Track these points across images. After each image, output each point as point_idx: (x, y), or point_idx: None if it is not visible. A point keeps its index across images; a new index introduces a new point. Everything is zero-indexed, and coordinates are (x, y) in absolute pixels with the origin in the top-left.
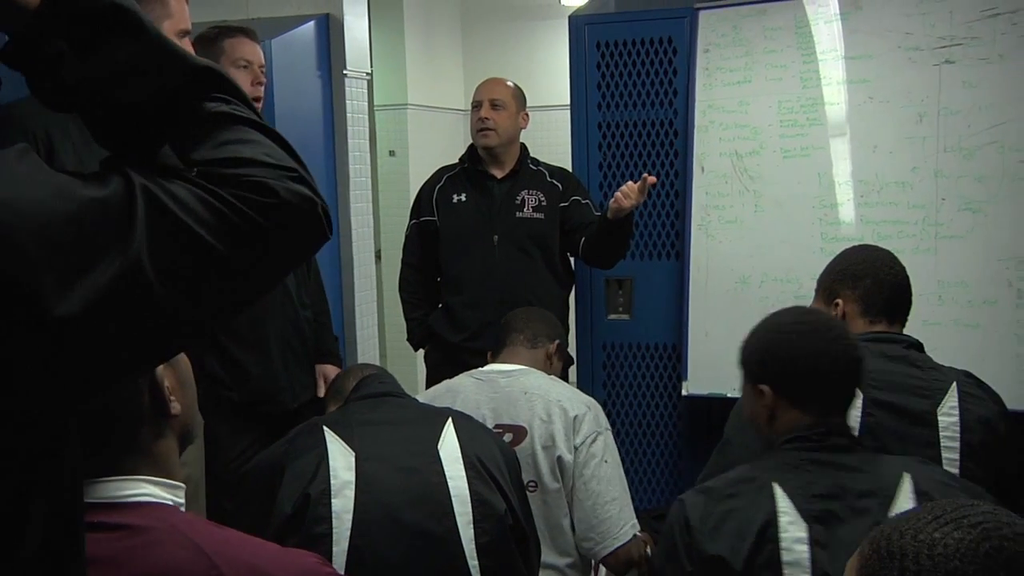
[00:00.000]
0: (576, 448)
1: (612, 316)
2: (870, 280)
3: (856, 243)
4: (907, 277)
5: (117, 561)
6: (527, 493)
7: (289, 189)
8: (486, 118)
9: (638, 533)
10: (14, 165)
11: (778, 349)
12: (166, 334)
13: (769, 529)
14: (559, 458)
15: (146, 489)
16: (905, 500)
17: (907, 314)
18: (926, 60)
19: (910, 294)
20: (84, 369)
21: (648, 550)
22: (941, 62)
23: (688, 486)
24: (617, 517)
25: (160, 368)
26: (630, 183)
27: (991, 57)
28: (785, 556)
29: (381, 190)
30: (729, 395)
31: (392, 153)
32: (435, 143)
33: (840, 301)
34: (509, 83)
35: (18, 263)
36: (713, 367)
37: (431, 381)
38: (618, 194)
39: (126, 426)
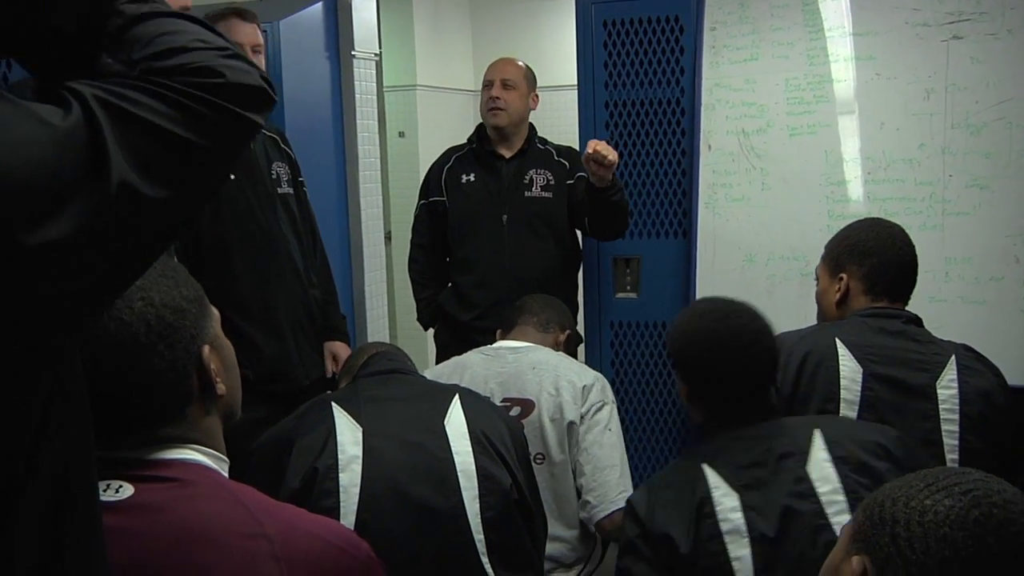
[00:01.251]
0: (582, 416)
1: (620, 295)
2: (877, 259)
3: None
4: (915, 256)
5: (164, 508)
6: (535, 465)
7: (229, 66)
8: (496, 97)
9: None
10: None
11: (686, 346)
12: (165, 230)
13: (706, 505)
14: (569, 424)
15: (194, 455)
16: (818, 453)
17: (911, 292)
18: (934, 36)
19: (915, 273)
20: (91, 282)
21: None
22: (949, 38)
23: None
24: (616, 483)
25: (207, 352)
26: (596, 144)
27: (999, 32)
28: (724, 526)
29: (391, 171)
30: None
31: (402, 134)
32: (445, 124)
33: (844, 276)
34: (520, 63)
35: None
36: None
37: (441, 360)
38: (593, 167)
39: (175, 404)
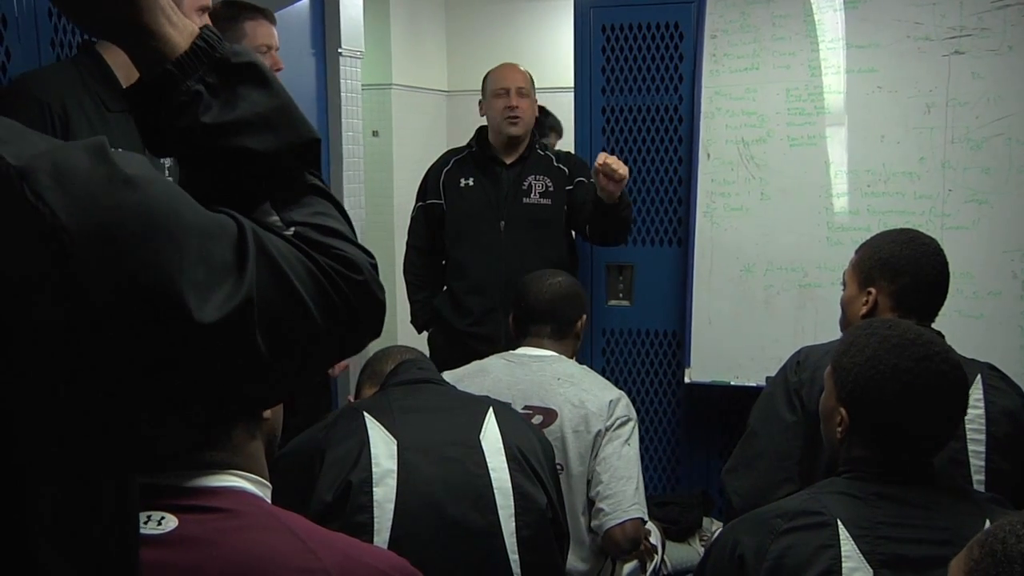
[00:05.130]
0: (607, 428)
1: (612, 302)
2: (909, 278)
3: (863, 233)
4: (947, 274)
5: (213, 541)
6: None
7: (372, 273)
8: (516, 106)
9: (645, 519)
10: (151, 168)
11: (867, 379)
12: (250, 386)
13: None
14: (596, 434)
15: (238, 482)
16: None
17: (939, 309)
18: (935, 50)
19: (946, 290)
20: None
21: (652, 539)
22: (950, 52)
23: (688, 473)
24: (631, 495)
25: None
26: (607, 157)
27: (1000, 48)
28: None
29: (364, 171)
30: (732, 383)
31: (376, 133)
32: (418, 124)
33: (873, 291)
34: (524, 70)
35: (174, 265)
36: (716, 355)
37: (435, 364)
38: (602, 180)
39: (222, 427)
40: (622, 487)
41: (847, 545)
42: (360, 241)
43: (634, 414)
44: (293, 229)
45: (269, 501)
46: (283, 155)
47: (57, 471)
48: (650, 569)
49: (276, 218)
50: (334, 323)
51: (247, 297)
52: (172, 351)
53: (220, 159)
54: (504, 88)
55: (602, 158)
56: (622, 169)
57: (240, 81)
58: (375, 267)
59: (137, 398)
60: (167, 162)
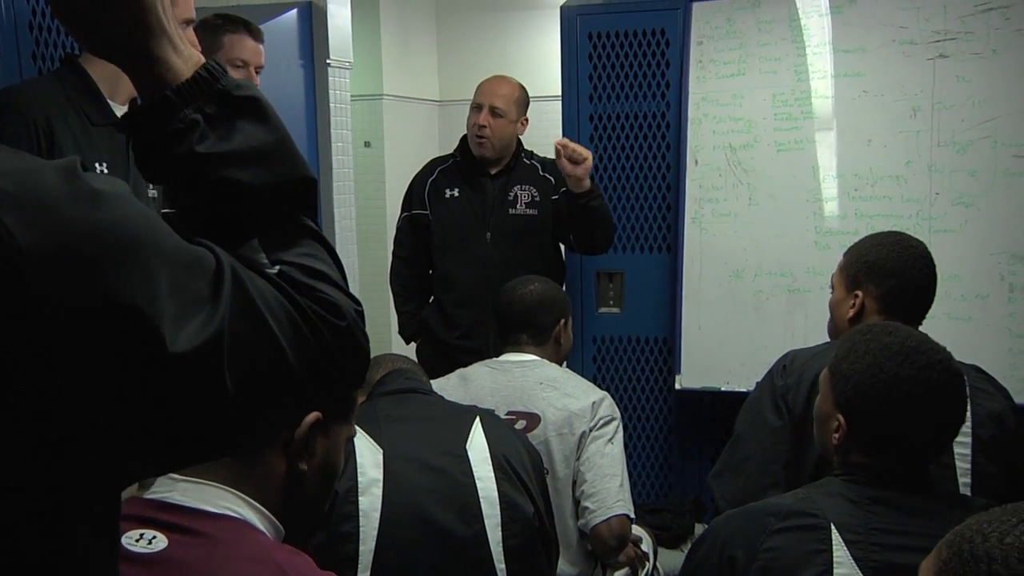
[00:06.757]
0: (591, 428)
1: (603, 309)
2: (896, 281)
3: (851, 237)
4: (934, 277)
5: (197, 567)
6: None
7: (355, 318)
8: (483, 126)
9: (631, 515)
10: (127, 190)
11: (868, 387)
12: (213, 425)
13: None
14: (581, 435)
15: (240, 509)
16: None
17: (926, 312)
18: (920, 54)
19: (933, 293)
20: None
21: (644, 547)
22: (935, 56)
23: (680, 480)
24: (615, 491)
25: (311, 418)
26: (564, 141)
27: (984, 52)
28: None
29: (355, 181)
30: (723, 389)
31: (367, 144)
32: (410, 134)
33: (860, 294)
34: (513, 85)
35: (146, 289)
36: (707, 361)
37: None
38: (567, 166)
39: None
40: (606, 484)
41: (839, 551)
42: (355, 253)
43: (617, 413)
44: (278, 268)
45: (271, 535)
46: (275, 191)
47: (24, 504)
48: None
49: (262, 255)
50: (309, 367)
51: (218, 330)
52: (138, 381)
53: (212, 190)
54: (478, 103)
55: (560, 143)
56: (582, 149)
57: (239, 114)
58: (361, 315)
59: (101, 431)
60: (153, 193)
